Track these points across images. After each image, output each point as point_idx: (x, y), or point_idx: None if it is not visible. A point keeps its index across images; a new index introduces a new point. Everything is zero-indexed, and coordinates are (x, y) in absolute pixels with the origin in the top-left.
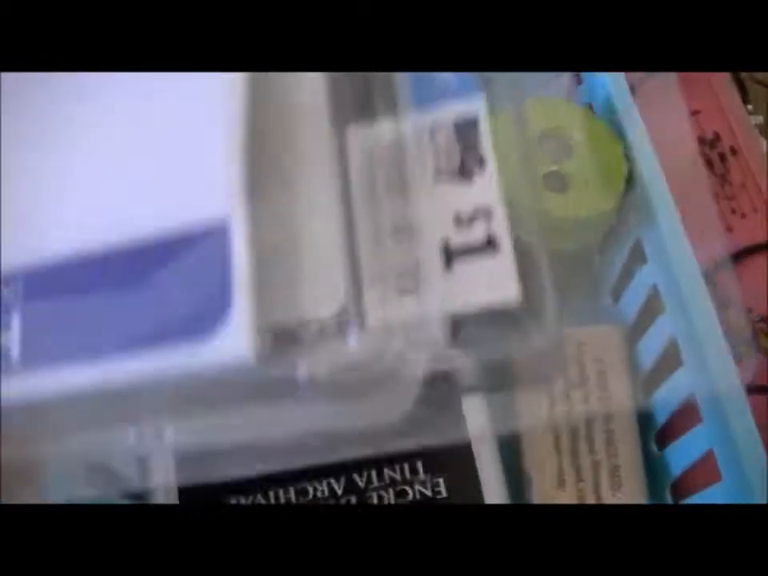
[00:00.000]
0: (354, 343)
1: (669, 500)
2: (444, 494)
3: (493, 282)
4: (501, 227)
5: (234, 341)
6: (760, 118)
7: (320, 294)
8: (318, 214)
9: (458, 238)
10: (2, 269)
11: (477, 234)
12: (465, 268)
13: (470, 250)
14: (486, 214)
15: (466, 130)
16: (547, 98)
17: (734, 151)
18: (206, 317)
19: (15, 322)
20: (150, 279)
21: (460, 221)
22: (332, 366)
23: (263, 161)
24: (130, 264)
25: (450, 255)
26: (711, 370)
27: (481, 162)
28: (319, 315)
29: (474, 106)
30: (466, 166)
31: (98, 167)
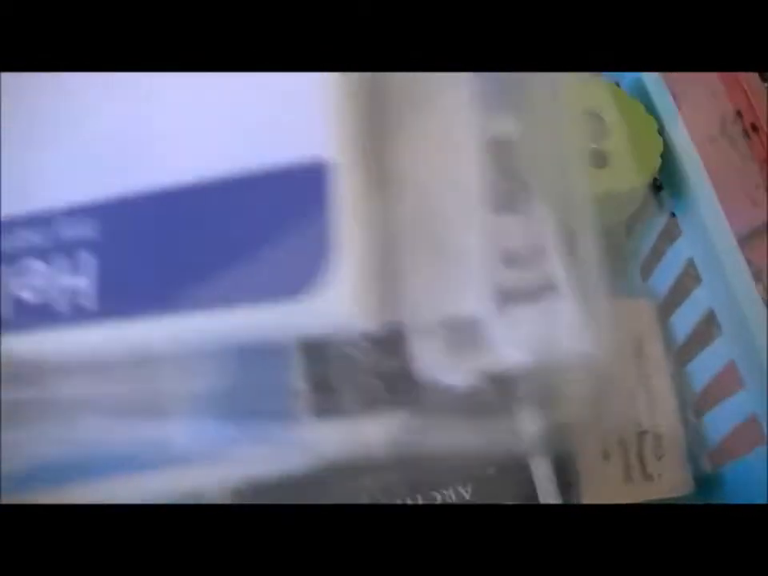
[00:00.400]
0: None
1: (706, 468)
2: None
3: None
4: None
5: (338, 300)
6: None
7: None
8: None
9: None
10: (80, 204)
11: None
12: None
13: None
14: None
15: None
16: (583, 76)
17: (754, 128)
18: (306, 273)
19: (91, 264)
20: (244, 221)
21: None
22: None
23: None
24: (226, 197)
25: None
26: (752, 337)
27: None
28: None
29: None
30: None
31: (191, 99)
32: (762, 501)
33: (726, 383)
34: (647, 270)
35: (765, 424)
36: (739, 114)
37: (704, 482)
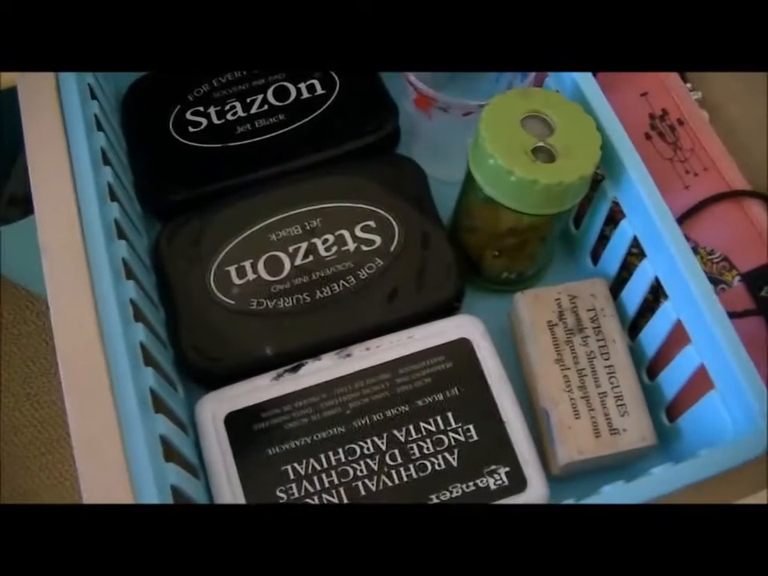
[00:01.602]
0: None
1: (665, 421)
2: (475, 437)
3: None
4: None
5: None
6: (699, 94)
7: None
8: None
9: None
10: None
11: None
12: None
13: None
14: None
15: None
16: (526, 88)
17: (680, 122)
18: None
19: None
20: None
21: None
22: None
23: None
24: None
25: None
26: (694, 297)
27: None
28: None
29: None
30: None
31: None
32: (718, 443)
33: (675, 341)
34: (597, 254)
35: (712, 371)
36: (665, 111)
37: (666, 434)
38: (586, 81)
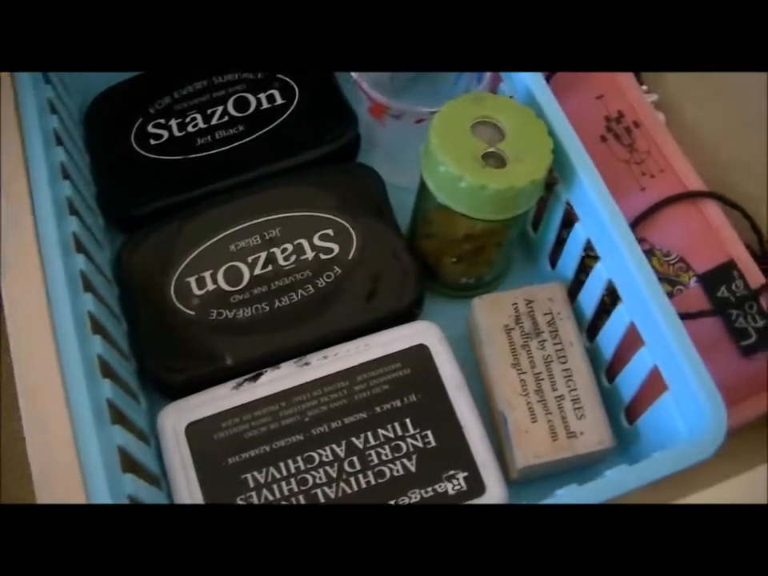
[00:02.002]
0: None
1: (624, 423)
2: (434, 442)
3: None
4: None
5: None
6: (655, 96)
7: None
8: None
9: None
10: None
11: None
12: None
13: None
14: None
15: None
16: (477, 93)
17: (636, 125)
18: None
19: None
20: None
21: None
22: None
23: None
24: None
25: None
26: (646, 299)
27: None
28: None
29: None
30: None
31: None
32: (673, 443)
33: (629, 344)
34: (554, 257)
35: (665, 373)
36: (621, 113)
37: (626, 436)
38: (537, 85)
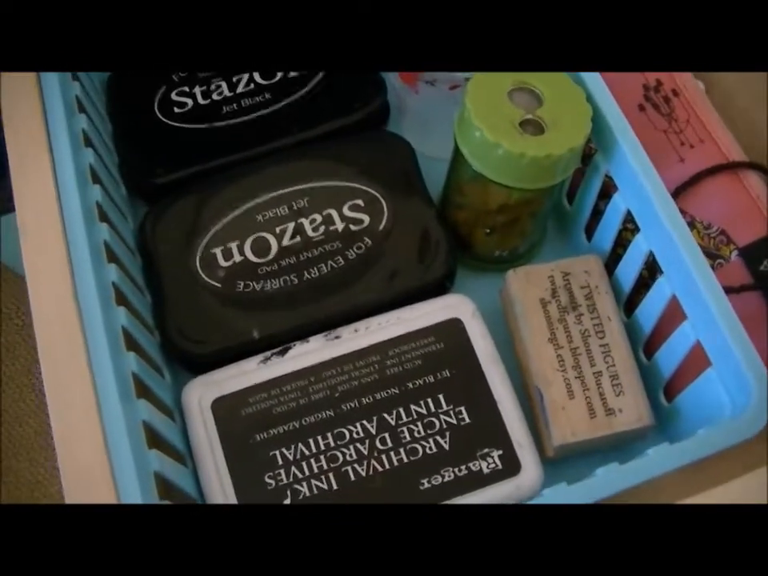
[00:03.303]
0: None
1: (663, 401)
2: (467, 419)
3: None
4: None
5: None
6: None
7: None
8: None
9: None
10: None
11: None
12: None
13: None
14: None
15: None
16: None
17: (675, 93)
18: None
19: None
20: None
21: None
22: None
23: None
24: None
25: None
26: (689, 271)
27: None
28: None
29: None
30: None
31: None
32: (717, 420)
33: (669, 319)
34: (591, 230)
35: (708, 348)
36: (659, 82)
37: (665, 414)
38: None
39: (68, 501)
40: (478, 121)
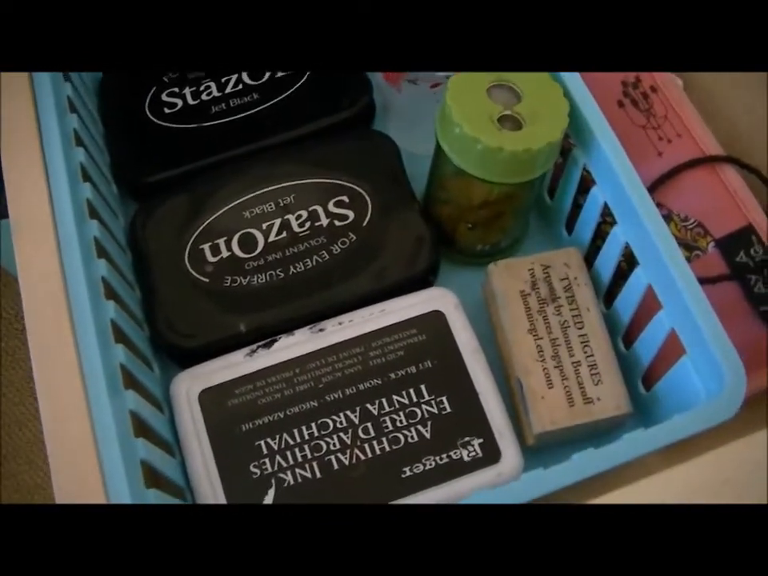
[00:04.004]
0: None
1: (642, 390)
2: (449, 409)
3: None
4: None
5: None
6: None
7: None
8: None
9: None
10: None
11: None
12: None
13: None
14: None
15: None
16: None
17: (653, 89)
18: None
19: None
20: None
21: None
22: None
23: None
24: None
25: None
26: (664, 261)
27: None
28: None
29: None
30: None
31: None
32: (693, 407)
33: (647, 309)
34: (572, 223)
35: (683, 336)
36: (638, 78)
37: (644, 402)
38: None
39: (56, 490)
40: (458, 117)
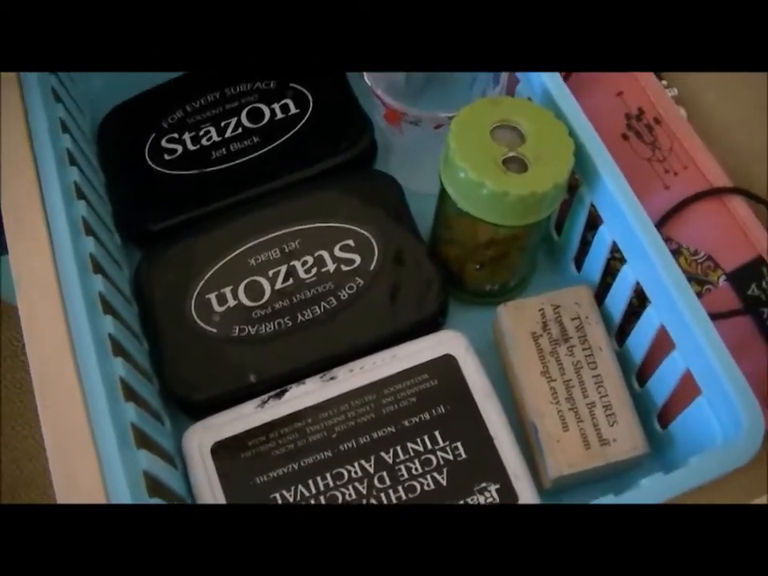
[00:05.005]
0: None
1: (658, 428)
2: (464, 454)
3: None
4: None
5: None
6: (675, 90)
7: None
8: None
9: None
10: None
11: None
12: None
13: None
14: None
15: None
16: (495, 96)
17: (657, 121)
18: None
19: None
20: None
21: None
22: None
23: None
24: None
25: None
26: (676, 301)
27: None
28: None
29: None
30: None
31: None
32: (710, 447)
33: (660, 347)
34: (580, 260)
35: (697, 376)
36: (641, 110)
37: (658, 441)
38: (556, 86)
39: None
40: (462, 161)
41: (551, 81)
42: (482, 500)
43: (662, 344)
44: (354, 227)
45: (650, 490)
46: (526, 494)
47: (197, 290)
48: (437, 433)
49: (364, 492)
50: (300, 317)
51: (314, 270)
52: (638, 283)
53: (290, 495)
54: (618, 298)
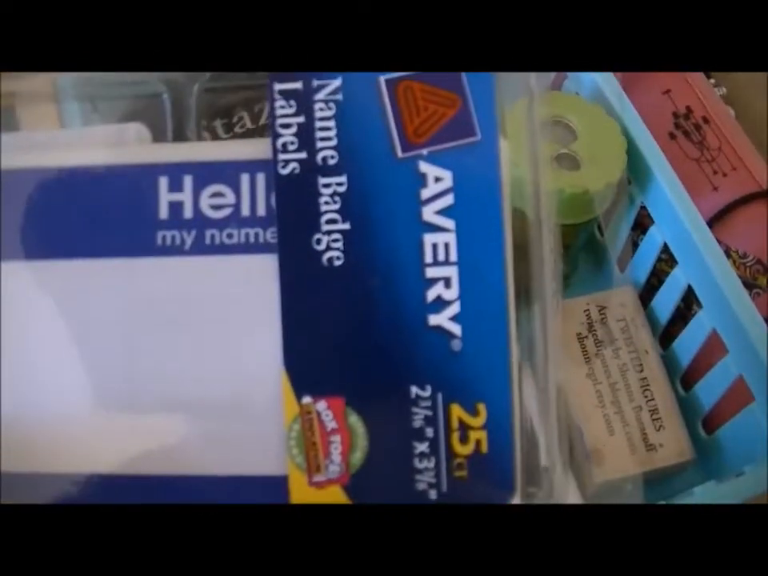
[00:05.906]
0: None
1: (702, 433)
2: None
3: None
4: None
5: None
6: (724, 89)
7: None
8: None
9: None
10: None
11: None
12: None
13: None
14: None
15: None
16: (546, 91)
17: (706, 120)
18: None
19: None
20: None
21: None
22: None
23: None
24: None
25: None
26: (730, 305)
27: None
28: None
29: None
30: None
31: None
32: (758, 458)
33: (711, 351)
34: (624, 261)
35: (751, 383)
36: (690, 109)
37: (703, 446)
38: (606, 81)
39: None
40: (514, 156)
41: (601, 75)
42: None
43: (710, 348)
44: None
45: (703, 499)
46: (570, 500)
47: None
48: None
49: None
50: None
51: None
52: (688, 286)
53: None
54: (666, 301)
